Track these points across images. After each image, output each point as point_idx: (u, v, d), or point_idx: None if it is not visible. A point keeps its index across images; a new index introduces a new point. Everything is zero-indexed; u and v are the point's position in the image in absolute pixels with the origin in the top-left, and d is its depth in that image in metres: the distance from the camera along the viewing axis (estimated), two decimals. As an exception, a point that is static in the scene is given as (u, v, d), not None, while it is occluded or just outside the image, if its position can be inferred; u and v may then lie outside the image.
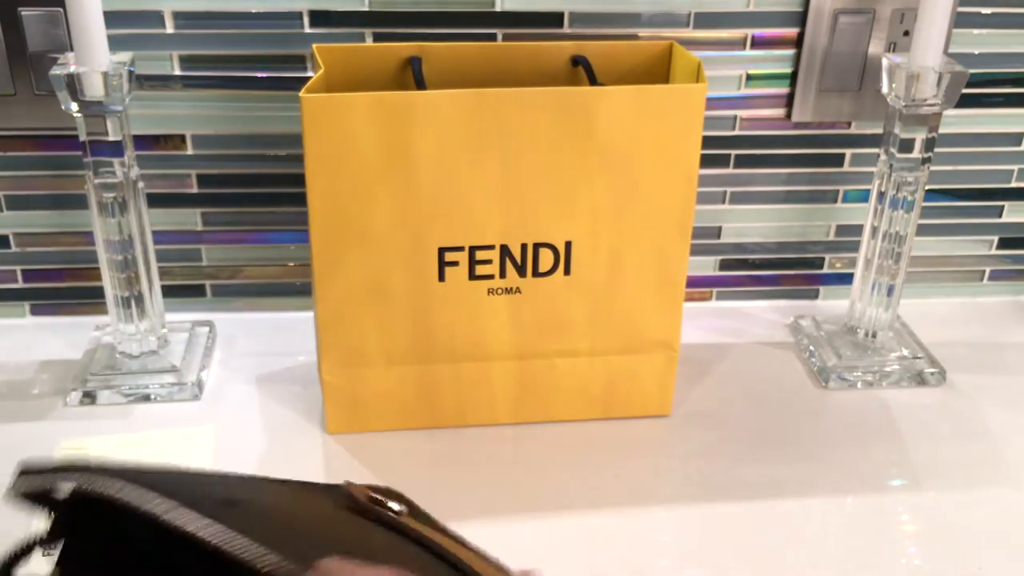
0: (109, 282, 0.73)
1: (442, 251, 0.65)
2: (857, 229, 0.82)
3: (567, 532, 0.63)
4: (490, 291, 0.67)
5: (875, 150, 0.83)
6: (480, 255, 0.66)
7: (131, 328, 0.75)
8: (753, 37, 0.79)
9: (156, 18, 0.74)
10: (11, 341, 0.81)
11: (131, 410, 0.73)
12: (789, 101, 0.81)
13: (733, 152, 0.83)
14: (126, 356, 0.76)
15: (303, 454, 0.69)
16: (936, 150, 0.76)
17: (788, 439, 0.72)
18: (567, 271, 0.67)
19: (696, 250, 0.86)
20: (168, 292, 0.82)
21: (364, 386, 0.69)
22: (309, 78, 0.63)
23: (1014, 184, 0.87)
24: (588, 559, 0.61)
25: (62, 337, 0.82)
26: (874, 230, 0.77)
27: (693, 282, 0.88)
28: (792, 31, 0.79)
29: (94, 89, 0.66)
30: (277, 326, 0.84)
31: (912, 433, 0.73)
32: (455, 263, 0.66)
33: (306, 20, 0.75)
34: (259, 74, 0.76)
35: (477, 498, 0.65)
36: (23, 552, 0.33)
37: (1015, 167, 0.86)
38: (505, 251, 0.66)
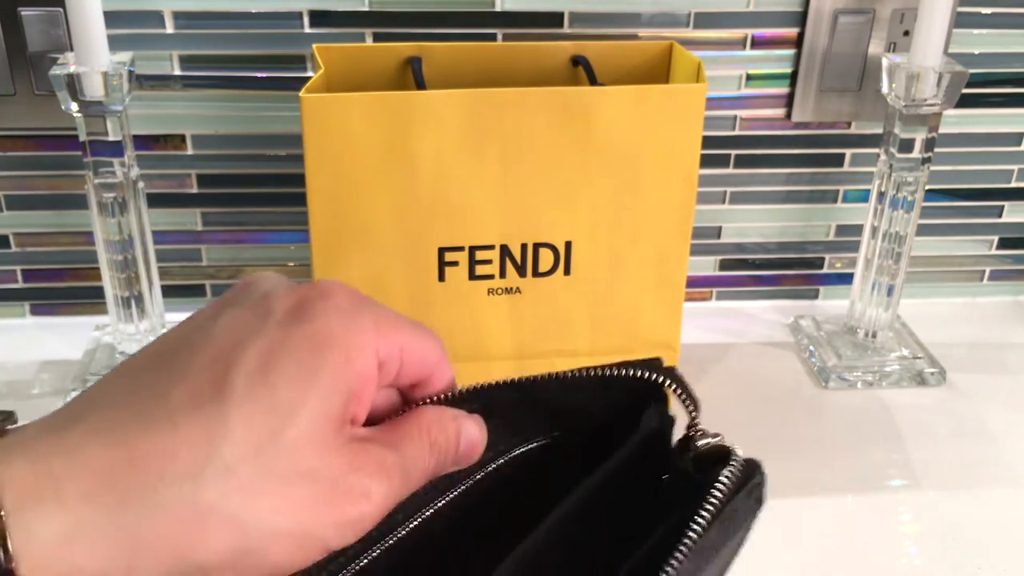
0: (109, 282, 0.73)
1: (442, 251, 0.65)
2: (857, 229, 0.82)
3: (567, 532, 0.63)
4: (490, 291, 0.67)
5: (875, 150, 0.83)
6: (480, 255, 0.66)
7: (131, 328, 0.75)
8: (753, 37, 0.79)
9: (156, 18, 0.74)
10: (11, 341, 0.81)
11: (131, 410, 0.73)
12: (789, 101, 0.81)
13: (733, 152, 0.83)
14: (126, 356, 0.76)
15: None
16: (936, 150, 0.76)
17: (788, 439, 0.72)
18: (567, 271, 0.67)
19: (696, 250, 0.86)
20: (168, 292, 0.82)
21: (364, 386, 0.69)
22: (309, 78, 0.63)
23: (1014, 184, 0.87)
24: (588, 559, 0.61)
25: (62, 337, 0.82)
26: (874, 230, 0.77)
27: (693, 282, 0.88)
28: (792, 31, 0.79)
29: (94, 89, 0.65)
30: (277, 326, 0.84)
31: (912, 433, 0.73)
32: (455, 263, 0.66)
33: (306, 20, 0.75)
34: (259, 74, 0.76)
35: (477, 498, 0.65)
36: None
37: (1015, 167, 0.86)
38: (505, 251, 0.66)
